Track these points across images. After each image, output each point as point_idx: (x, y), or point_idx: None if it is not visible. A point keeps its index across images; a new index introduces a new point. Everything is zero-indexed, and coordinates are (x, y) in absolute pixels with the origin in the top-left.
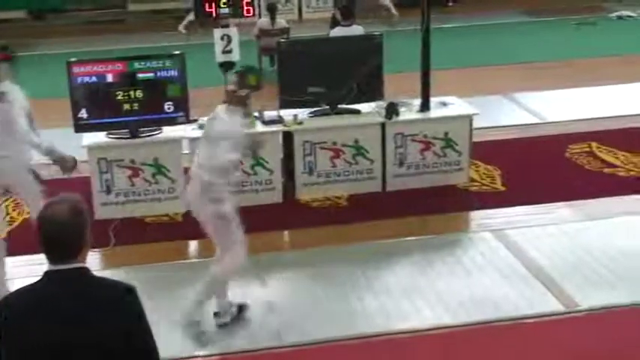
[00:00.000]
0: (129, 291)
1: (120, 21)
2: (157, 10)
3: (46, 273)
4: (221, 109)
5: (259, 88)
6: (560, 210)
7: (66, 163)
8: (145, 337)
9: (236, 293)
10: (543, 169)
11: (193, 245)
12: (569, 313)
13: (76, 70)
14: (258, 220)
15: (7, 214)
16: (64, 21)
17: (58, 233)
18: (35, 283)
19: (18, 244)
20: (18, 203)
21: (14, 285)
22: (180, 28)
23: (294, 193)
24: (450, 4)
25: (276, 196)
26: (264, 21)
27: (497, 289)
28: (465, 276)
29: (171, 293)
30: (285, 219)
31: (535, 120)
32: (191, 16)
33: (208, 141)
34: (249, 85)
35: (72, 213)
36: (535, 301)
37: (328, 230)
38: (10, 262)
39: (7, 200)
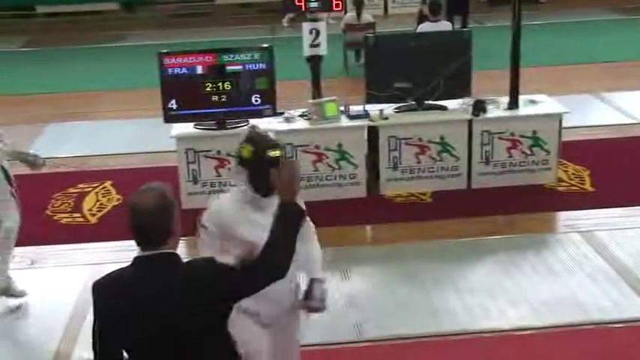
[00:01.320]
0: (210, 263)
1: (207, 14)
2: (244, 3)
3: (135, 258)
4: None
5: (253, 164)
6: None
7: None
8: (244, 285)
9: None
10: (634, 171)
11: None
12: None
13: (167, 61)
14: (341, 214)
15: (97, 200)
16: (153, 13)
17: (144, 221)
18: (124, 268)
19: (108, 230)
20: (108, 190)
21: (105, 270)
22: (284, 20)
23: (378, 188)
24: (542, 0)
25: (360, 191)
26: (350, 16)
27: (584, 292)
28: (551, 277)
29: None
30: (368, 214)
31: (627, 120)
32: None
33: None
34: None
35: (157, 201)
36: (624, 305)
37: (412, 226)
38: (101, 247)
39: (96, 187)
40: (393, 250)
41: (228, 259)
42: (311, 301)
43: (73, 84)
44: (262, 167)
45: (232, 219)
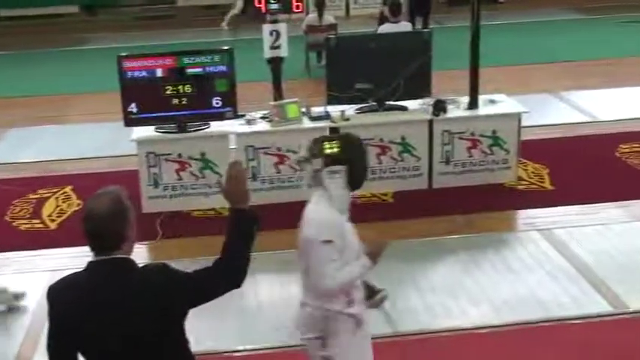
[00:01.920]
0: (163, 268)
1: (170, 16)
2: (207, 5)
3: (89, 263)
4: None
5: (352, 157)
6: (610, 210)
7: None
8: (203, 291)
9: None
10: (593, 169)
11: None
12: (618, 314)
13: (126, 64)
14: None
15: (57, 205)
16: (115, 16)
17: (97, 226)
18: (78, 272)
19: (68, 236)
20: (68, 195)
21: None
22: (223, 24)
23: None
24: (501, 1)
25: None
26: (311, 17)
27: (544, 289)
28: (511, 275)
29: None
30: None
31: (585, 118)
32: (235, 11)
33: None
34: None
35: (111, 206)
36: (583, 302)
37: (374, 227)
38: (61, 253)
39: (57, 192)
40: None
41: (354, 267)
42: (375, 296)
43: (38, 88)
44: (361, 157)
45: (346, 227)
